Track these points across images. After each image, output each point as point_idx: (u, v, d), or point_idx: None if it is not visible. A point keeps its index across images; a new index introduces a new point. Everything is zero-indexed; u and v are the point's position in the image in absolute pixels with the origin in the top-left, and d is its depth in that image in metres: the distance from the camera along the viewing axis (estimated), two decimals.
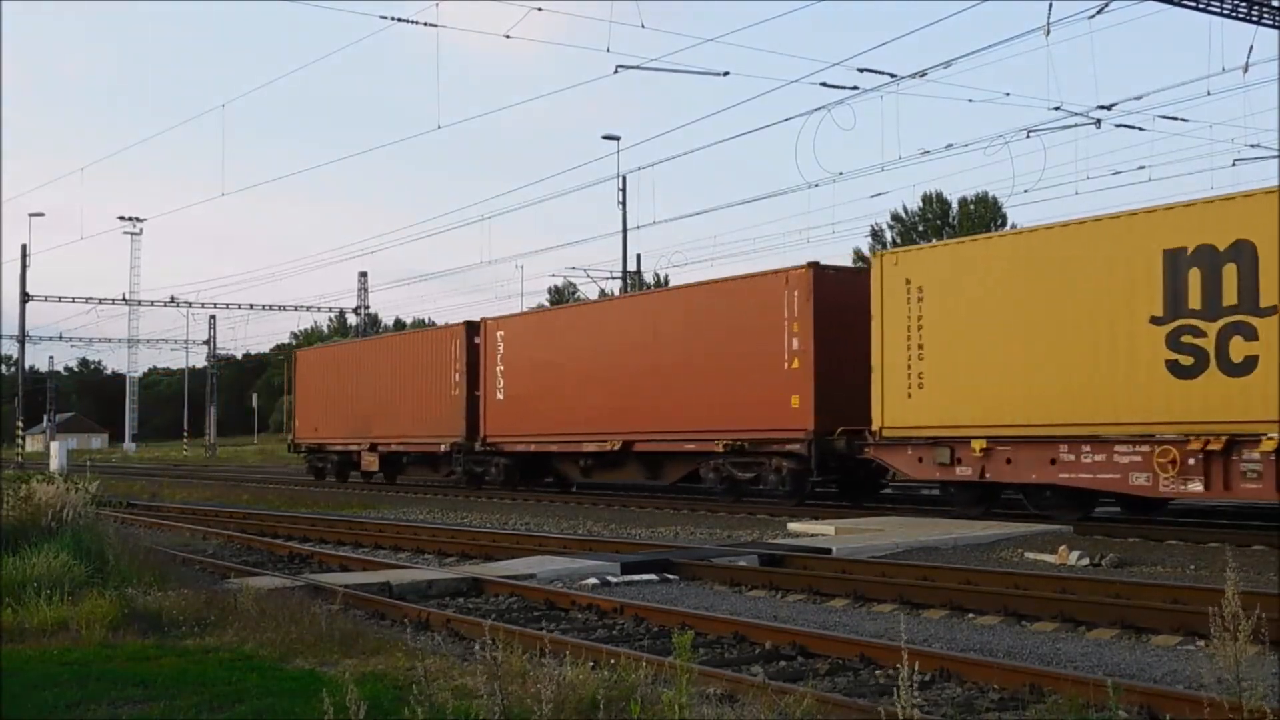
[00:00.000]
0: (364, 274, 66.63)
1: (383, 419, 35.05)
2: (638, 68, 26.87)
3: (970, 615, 10.71)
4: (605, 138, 46.33)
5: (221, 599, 10.09)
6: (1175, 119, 27.74)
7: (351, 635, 8.72)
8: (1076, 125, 26.50)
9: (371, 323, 73.53)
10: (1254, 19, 20.12)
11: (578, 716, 5.80)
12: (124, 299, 74.31)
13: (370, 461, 35.90)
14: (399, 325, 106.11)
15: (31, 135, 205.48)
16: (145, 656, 8.18)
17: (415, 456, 34.83)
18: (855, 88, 25.23)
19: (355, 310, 68.46)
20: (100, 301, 69.59)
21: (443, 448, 32.31)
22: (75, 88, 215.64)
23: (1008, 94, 30.09)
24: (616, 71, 27.49)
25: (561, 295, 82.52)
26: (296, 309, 73.62)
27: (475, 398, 31.24)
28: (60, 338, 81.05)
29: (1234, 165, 40.47)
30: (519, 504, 26.78)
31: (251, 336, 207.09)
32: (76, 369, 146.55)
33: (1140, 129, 27.98)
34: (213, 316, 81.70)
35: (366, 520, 22.30)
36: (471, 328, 31.99)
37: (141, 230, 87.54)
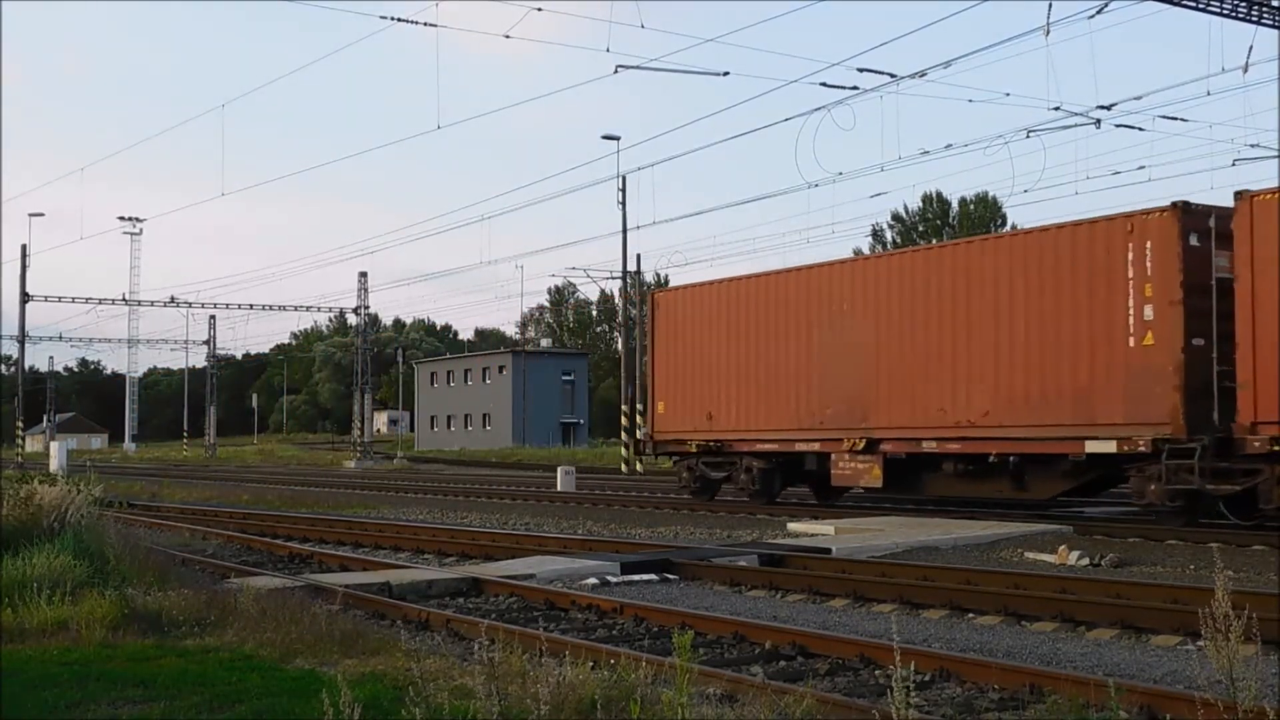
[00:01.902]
0: (364, 274, 66.48)
1: (894, 396, 21.27)
2: (638, 68, 26.93)
3: (970, 615, 10.71)
4: (605, 138, 46.44)
5: (221, 599, 10.08)
6: (1175, 119, 27.79)
7: (351, 635, 8.71)
8: (1076, 125, 26.55)
9: (372, 323, 73.43)
10: (1254, 19, 20.12)
11: (577, 716, 5.80)
12: (124, 299, 74.36)
13: (862, 470, 21.77)
14: (399, 326, 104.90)
15: (31, 135, 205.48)
16: (145, 656, 8.18)
17: (982, 462, 20.13)
18: (855, 88, 25.30)
19: (355, 310, 68.33)
20: (100, 301, 69.61)
21: (1113, 446, 17.77)
22: (75, 88, 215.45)
23: (1008, 94, 29.99)
24: (616, 71, 27.44)
25: (562, 295, 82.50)
26: (296, 309, 73.75)
27: (1197, 350, 17.18)
28: (60, 338, 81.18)
29: (1234, 165, 40.52)
30: (518, 504, 26.78)
31: (251, 336, 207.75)
32: (76, 369, 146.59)
33: (1140, 129, 28.04)
34: (212, 316, 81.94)
35: (366, 520, 22.29)
36: (1189, 215, 17.31)
37: (141, 230, 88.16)
